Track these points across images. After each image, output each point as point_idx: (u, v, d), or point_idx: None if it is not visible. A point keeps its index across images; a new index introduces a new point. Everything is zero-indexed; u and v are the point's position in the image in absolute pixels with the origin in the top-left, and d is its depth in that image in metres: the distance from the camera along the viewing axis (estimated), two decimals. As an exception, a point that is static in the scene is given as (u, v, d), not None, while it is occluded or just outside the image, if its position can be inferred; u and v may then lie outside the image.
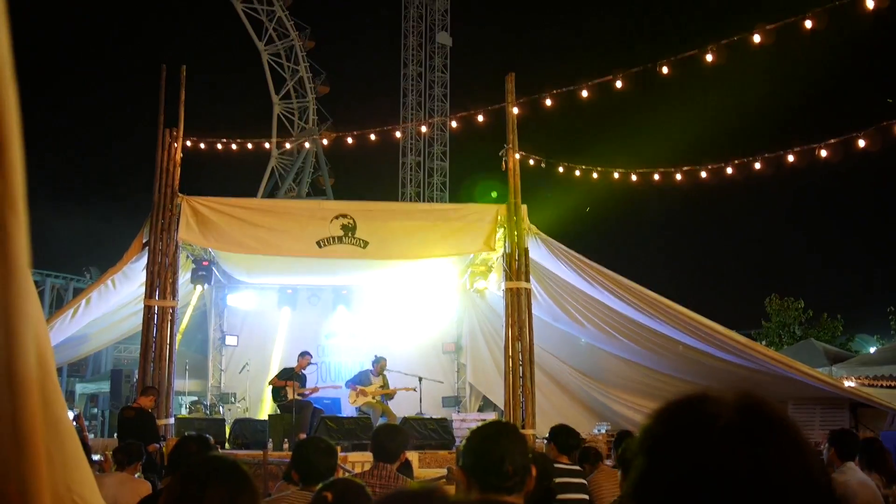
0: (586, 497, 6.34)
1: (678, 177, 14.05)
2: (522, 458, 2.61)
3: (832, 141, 12.19)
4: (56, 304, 30.38)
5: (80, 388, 27.05)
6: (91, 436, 17.15)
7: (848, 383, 15.90)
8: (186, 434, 5.63)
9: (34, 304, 0.77)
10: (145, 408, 11.30)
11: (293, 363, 14.24)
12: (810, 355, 19.70)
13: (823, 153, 12.26)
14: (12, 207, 0.68)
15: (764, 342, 27.92)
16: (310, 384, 14.29)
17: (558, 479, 5.94)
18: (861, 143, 11.87)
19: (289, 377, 13.67)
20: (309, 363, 14.12)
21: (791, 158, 12.67)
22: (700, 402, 1.20)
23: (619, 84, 12.86)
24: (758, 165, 13.15)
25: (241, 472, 2.33)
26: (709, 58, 11.94)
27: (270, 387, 14.19)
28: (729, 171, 13.51)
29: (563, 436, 6.82)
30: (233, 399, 16.74)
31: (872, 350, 28.01)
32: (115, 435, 12.30)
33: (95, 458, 10.94)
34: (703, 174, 13.83)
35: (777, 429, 1.17)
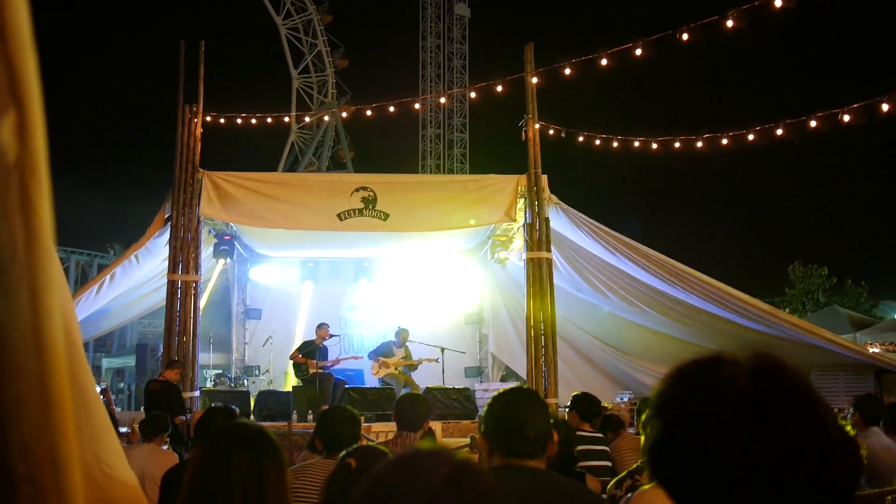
0: (608, 464, 6.37)
1: (699, 144, 13.95)
2: (544, 424, 2.62)
3: (855, 105, 12.05)
4: (81, 281, 30.61)
5: (107, 362, 27.34)
6: (118, 409, 17.37)
7: (872, 350, 15.84)
8: (213, 405, 5.69)
9: (58, 272, 0.78)
10: (171, 381, 11.42)
11: (315, 335, 14.33)
12: (834, 322, 19.64)
13: (847, 118, 12.13)
14: (34, 174, 0.69)
15: (787, 310, 27.82)
16: (332, 356, 14.36)
17: (580, 447, 5.97)
18: (885, 106, 11.72)
19: (309, 350, 13.75)
20: (328, 334, 14.17)
21: (814, 124, 12.54)
22: (715, 365, 1.20)
23: (638, 52, 12.77)
24: (780, 132, 13.03)
25: (268, 438, 2.35)
26: (729, 23, 11.82)
27: (292, 361, 14.28)
28: (751, 137, 13.39)
29: (584, 403, 6.86)
30: (257, 372, 16.87)
31: (897, 316, 27.87)
32: (142, 408, 12.45)
33: (122, 430, 11.09)
34: (725, 141, 13.71)
35: (792, 392, 1.16)
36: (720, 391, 1.16)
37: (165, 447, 7.70)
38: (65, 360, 0.75)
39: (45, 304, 0.70)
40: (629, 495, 3.84)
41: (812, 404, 1.16)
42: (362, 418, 4.99)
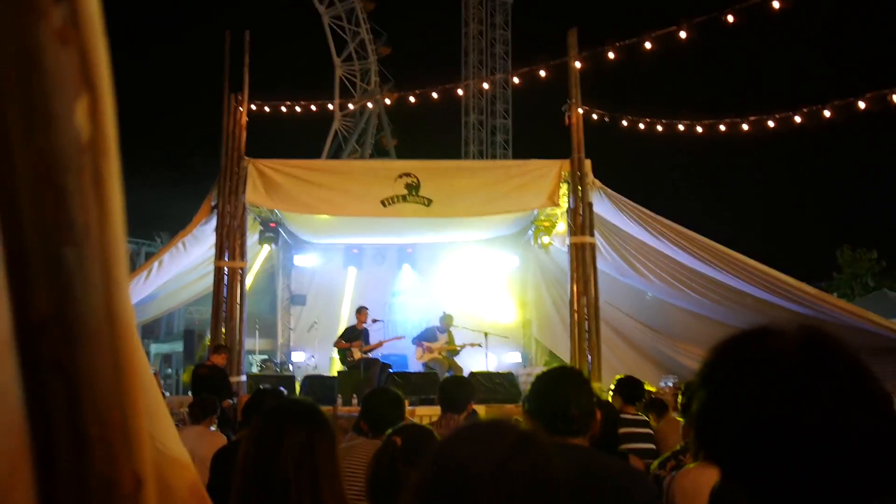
0: (652, 446, 6.38)
1: (745, 127, 13.80)
2: (588, 402, 2.65)
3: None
4: (129, 269, 30.93)
5: (154, 348, 27.73)
6: (166, 394, 17.64)
7: (922, 334, 15.59)
8: (261, 387, 5.78)
9: (125, 247, 0.83)
10: (218, 365, 11.58)
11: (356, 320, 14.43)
12: (884, 306, 19.38)
13: (895, 98, 11.93)
14: (106, 154, 0.73)
15: (836, 294, 27.44)
16: (374, 340, 14.44)
17: (624, 429, 5.98)
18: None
19: (352, 336, 13.84)
20: (368, 317, 14.24)
21: (862, 105, 12.35)
22: (762, 336, 1.21)
23: (683, 34, 12.66)
24: (827, 113, 12.85)
25: (320, 414, 2.40)
26: (776, 4, 11.67)
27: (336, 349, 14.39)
28: (797, 119, 13.22)
29: (627, 387, 6.86)
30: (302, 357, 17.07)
31: (948, 300, 27.36)
32: (190, 392, 12.64)
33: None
34: (771, 123, 13.55)
35: (840, 362, 1.17)
36: (768, 359, 1.17)
37: (213, 428, 7.82)
38: (132, 329, 0.80)
39: (115, 276, 0.75)
40: (673, 474, 3.86)
41: (860, 373, 1.16)
42: (406, 401, 5.03)
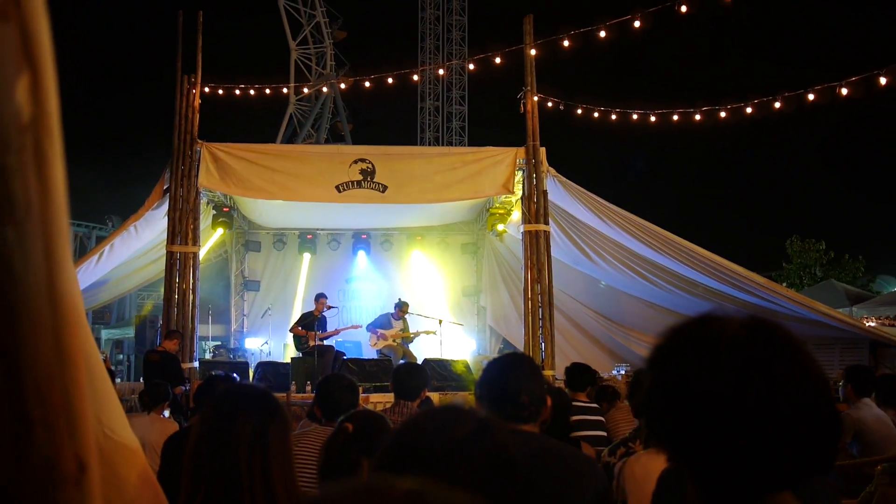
0: (604, 433, 6.43)
1: (697, 117, 13.94)
2: (538, 389, 2.66)
3: (853, 79, 12.04)
4: (79, 253, 30.42)
5: (106, 333, 27.38)
6: (118, 380, 17.44)
7: (869, 323, 15.93)
8: (213, 373, 5.72)
9: (68, 228, 0.82)
10: (170, 351, 11.47)
11: (313, 307, 14.35)
12: (831, 296, 19.73)
13: (844, 91, 12.12)
14: (48, 132, 0.72)
15: (785, 284, 27.87)
16: (331, 328, 14.41)
17: (575, 417, 6.04)
18: (882, 80, 11.72)
19: (309, 323, 13.79)
20: (326, 305, 14.21)
21: (811, 97, 12.54)
22: (707, 319, 1.24)
23: (637, 24, 12.74)
24: (778, 105, 13.03)
25: (272, 399, 2.38)
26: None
27: (292, 334, 14.33)
28: (749, 110, 13.38)
29: (575, 374, 6.93)
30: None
31: (894, 290, 27.95)
32: (141, 378, 12.51)
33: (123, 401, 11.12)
34: (723, 114, 13.71)
35: (783, 341, 1.19)
36: (711, 337, 1.19)
37: (166, 415, 7.75)
38: (78, 311, 0.79)
39: (58, 255, 0.74)
40: (623, 461, 3.90)
41: (801, 354, 1.19)
42: (360, 388, 5.03)
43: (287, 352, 16.21)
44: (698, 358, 1.18)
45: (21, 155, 0.70)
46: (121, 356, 26.69)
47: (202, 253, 14.53)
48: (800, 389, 1.15)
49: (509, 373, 2.69)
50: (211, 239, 16.02)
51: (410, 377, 4.90)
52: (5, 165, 0.69)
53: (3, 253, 0.70)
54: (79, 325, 0.77)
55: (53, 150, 0.72)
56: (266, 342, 16.90)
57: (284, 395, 11.40)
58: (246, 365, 14.23)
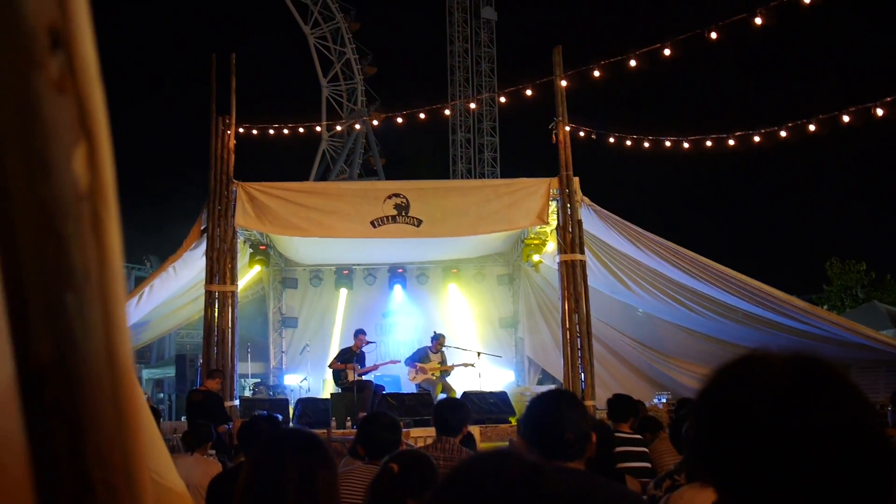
0: (648, 465, 6.37)
1: (731, 142, 13.88)
2: (582, 425, 2.65)
3: (888, 99, 11.94)
4: (120, 295, 30.72)
5: (147, 373, 27.62)
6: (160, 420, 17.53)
7: (913, 345, 15.64)
8: (256, 413, 5.75)
9: (124, 289, 0.83)
10: (212, 390, 11.53)
11: (351, 342, 14.37)
12: (874, 318, 19.40)
13: (880, 112, 12.03)
14: (104, 200, 0.74)
15: (826, 306, 27.53)
16: (369, 362, 14.43)
17: (619, 448, 5.98)
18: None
19: (347, 358, 13.82)
20: (365, 341, 14.24)
21: (846, 119, 12.45)
22: (749, 357, 1.23)
23: (667, 52, 12.74)
24: (812, 127, 12.94)
25: (321, 444, 2.39)
26: (758, 21, 11.76)
27: (331, 369, 14.36)
28: (783, 134, 13.31)
29: (617, 405, 6.87)
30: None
31: (938, 310, 27.46)
32: (183, 418, 12.56)
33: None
34: (757, 138, 13.64)
35: (822, 375, 1.18)
36: (753, 373, 1.19)
37: (210, 456, 7.77)
38: (132, 371, 0.80)
39: (115, 320, 0.75)
40: (669, 495, 3.85)
41: (843, 384, 1.18)
42: (401, 423, 5.02)
43: (326, 388, 16.23)
44: (740, 392, 1.18)
45: (79, 223, 0.72)
46: (161, 395, 26.90)
47: (239, 291, 14.63)
48: (842, 418, 1.14)
49: (553, 410, 2.67)
50: (248, 276, 16.13)
51: (452, 413, 4.89)
52: (64, 233, 0.71)
53: (63, 319, 0.71)
54: (134, 384, 0.79)
55: (110, 218, 0.74)
56: (305, 378, 16.94)
57: (325, 431, 11.41)
58: (286, 402, 14.26)
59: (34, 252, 0.71)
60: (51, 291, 0.71)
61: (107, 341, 0.74)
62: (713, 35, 12.17)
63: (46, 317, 0.71)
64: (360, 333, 14.24)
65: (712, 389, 1.25)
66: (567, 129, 13.78)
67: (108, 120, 0.74)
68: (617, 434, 6.25)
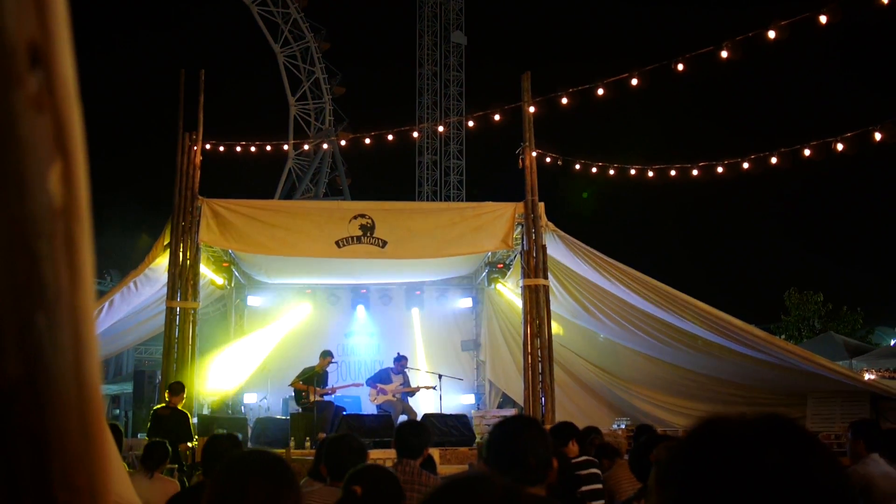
0: (600, 486, 6.38)
1: (695, 172, 14.04)
2: (545, 451, 2.65)
3: (848, 134, 12.15)
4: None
5: (103, 389, 27.23)
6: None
7: (868, 376, 15.86)
8: (217, 433, 5.68)
9: (94, 312, 0.82)
10: (177, 407, 11.37)
11: (312, 362, 14.28)
12: (830, 348, 19.67)
13: (840, 146, 12.23)
14: (78, 219, 0.73)
15: (783, 336, 27.85)
16: (330, 383, 14.35)
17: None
18: (878, 135, 11.82)
19: (310, 377, 13.73)
20: (330, 363, 14.18)
21: (807, 152, 12.64)
22: (712, 422, 1.19)
23: (634, 81, 12.87)
24: (774, 160, 13.13)
25: (285, 466, 2.37)
26: (724, 54, 11.94)
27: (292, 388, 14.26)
28: (745, 165, 13.49)
29: (557, 433, 6.90)
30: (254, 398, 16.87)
31: (893, 342, 27.89)
32: (141, 435, 12.39)
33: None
34: (720, 169, 13.82)
35: (803, 447, 1.15)
36: (717, 431, 1.16)
37: (172, 473, 7.66)
38: (100, 393, 0.80)
39: (85, 340, 0.75)
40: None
41: (824, 462, 1.16)
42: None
43: (286, 406, 16.10)
44: (710, 472, 1.14)
45: (52, 242, 0.71)
46: (117, 411, 26.52)
47: (201, 308, 14.50)
48: (809, 478, 1.12)
49: (516, 436, 2.68)
50: (210, 294, 16.00)
51: (414, 435, 4.88)
52: (37, 252, 0.70)
53: (33, 338, 0.70)
54: (101, 406, 0.78)
55: (83, 236, 0.73)
56: (265, 398, 16.80)
57: (283, 451, 11.31)
58: (245, 421, 14.13)
59: (6, 270, 0.70)
60: (22, 310, 0.70)
61: (76, 361, 0.73)
62: (679, 66, 12.33)
63: (16, 336, 0.70)
64: (327, 355, 14.17)
65: (674, 465, 1.20)
66: (534, 154, 13.86)
67: (83, 136, 0.74)
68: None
